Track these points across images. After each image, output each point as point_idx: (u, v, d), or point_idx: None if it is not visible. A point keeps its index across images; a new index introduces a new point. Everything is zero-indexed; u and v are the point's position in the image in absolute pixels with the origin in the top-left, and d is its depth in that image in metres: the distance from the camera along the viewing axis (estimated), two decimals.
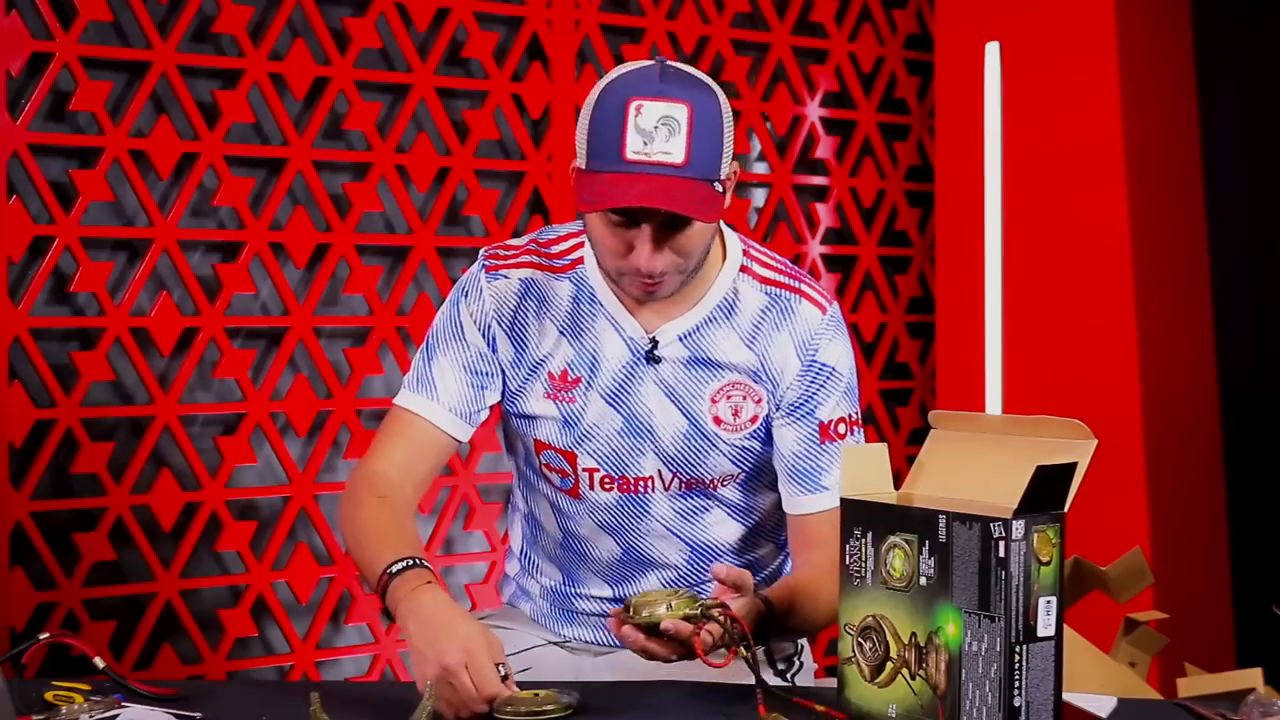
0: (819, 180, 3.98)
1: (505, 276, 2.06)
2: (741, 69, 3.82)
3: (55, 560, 2.98)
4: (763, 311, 2.04)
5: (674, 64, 1.95)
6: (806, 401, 2.04)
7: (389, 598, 1.83)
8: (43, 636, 1.91)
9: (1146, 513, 3.56)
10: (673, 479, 2.05)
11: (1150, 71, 3.70)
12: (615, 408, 2.03)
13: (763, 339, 2.03)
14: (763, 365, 2.04)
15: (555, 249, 2.08)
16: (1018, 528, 1.55)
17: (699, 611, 1.75)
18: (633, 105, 1.87)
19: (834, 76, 3.99)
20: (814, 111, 3.96)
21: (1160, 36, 3.73)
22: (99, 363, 3.04)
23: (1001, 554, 1.55)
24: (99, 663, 1.84)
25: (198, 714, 1.73)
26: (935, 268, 4.05)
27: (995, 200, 3.81)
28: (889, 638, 1.65)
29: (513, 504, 2.25)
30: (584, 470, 2.05)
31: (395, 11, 3.36)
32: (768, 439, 2.06)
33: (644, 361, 2.03)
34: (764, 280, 2.06)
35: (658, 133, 1.86)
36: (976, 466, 1.70)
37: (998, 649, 1.55)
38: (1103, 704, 1.74)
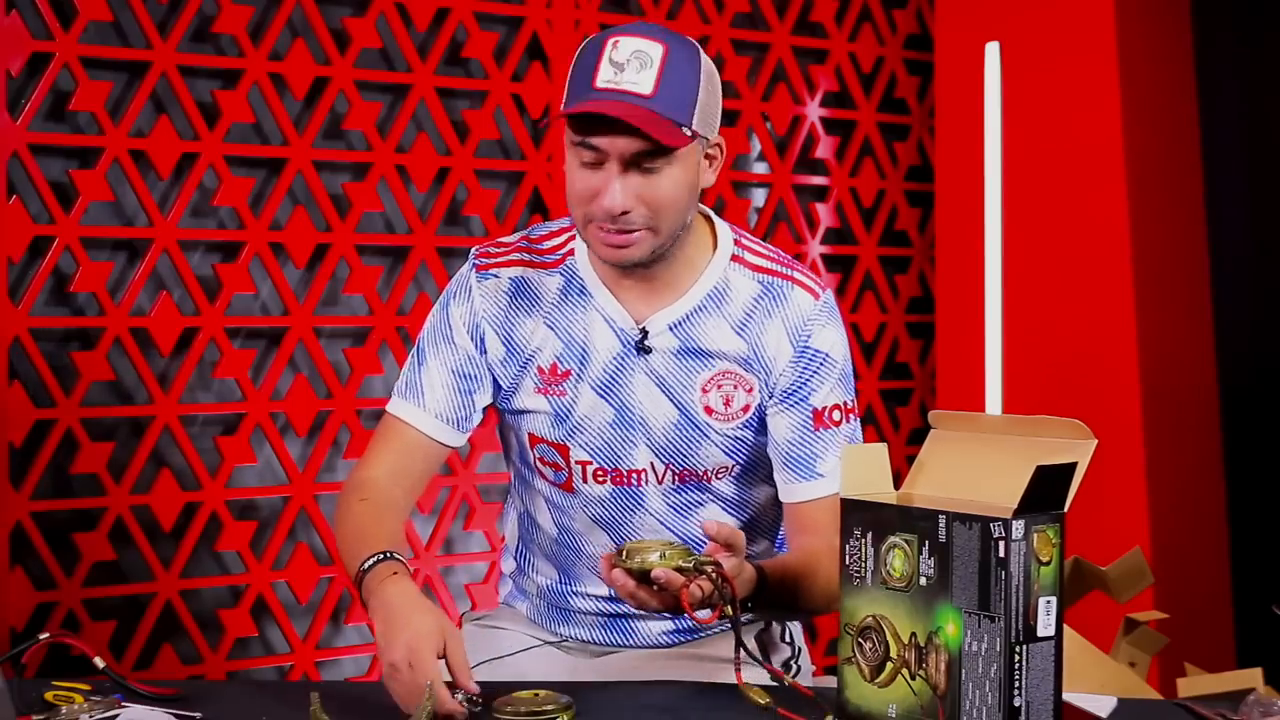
0: (819, 180, 3.98)
1: (495, 275, 2.07)
2: (741, 69, 3.82)
3: (55, 560, 2.98)
4: (755, 300, 2.04)
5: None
6: (800, 388, 2.03)
7: (363, 594, 1.84)
8: (43, 636, 1.91)
9: (1146, 513, 3.56)
10: (665, 471, 2.05)
11: (1150, 72, 3.70)
12: (606, 399, 2.03)
13: (754, 326, 2.03)
14: (754, 353, 2.03)
15: (546, 244, 2.08)
16: (1018, 528, 1.55)
17: (692, 565, 1.74)
18: (610, 41, 1.90)
19: (834, 76, 3.99)
20: (814, 111, 3.96)
21: (1160, 36, 3.73)
22: (99, 363, 3.04)
23: (1001, 554, 1.55)
24: (99, 663, 1.84)
25: (198, 714, 1.73)
26: (935, 268, 4.05)
27: (995, 200, 3.81)
28: (889, 638, 1.65)
29: (509, 503, 2.25)
30: (577, 463, 2.05)
31: (395, 11, 3.36)
32: (761, 428, 2.06)
33: (634, 352, 2.03)
34: (756, 268, 2.05)
35: (629, 64, 1.88)
36: (976, 466, 1.70)
37: (998, 649, 1.55)
38: (1103, 704, 1.74)
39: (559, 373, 2.04)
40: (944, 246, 4.01)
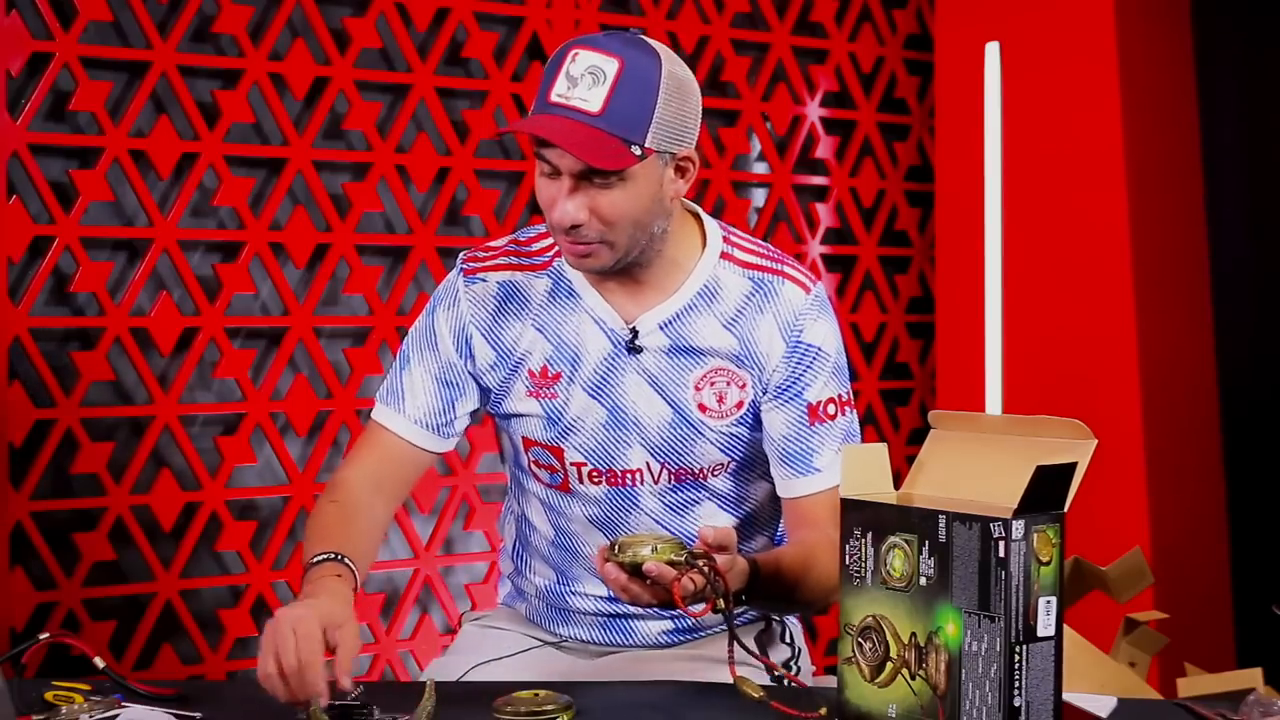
0: (819, 180, 3.98)
1: (483, 280, 2.07)
2: (741, 69, 3.82)
3: (55, 560, 2.98)
4: (746, 296, 2.03)
5: (638, 32, 1.98)
6: (794, 383, 2.03)
7: (301, 586, 1.83)
8: (43, 636, 1.91)
9: (1146, 513, 3.56)
10: (662, 470, 2.05)
11: (1150, 72, 3.70)
12: (598, 400, 2.03)
13: (746, 322, 2.03)
14: (746, 349, 2.03)
15: (534, 246, 2.08)
16: (1018, 528, 1.55)
17: (684, 559, 1.74)
18: (571, 53, 1.90)
19: (834, 76, 3.99)
20: (814, 111, 3.96)
21: (1160, 36, 3.73)
22: (99, 363, 3.04)
23: (1001, 554, 1.55)
24: (99, 663, 1.84)
25: (198, 714, 1.73)
26: (935, 268, 4.05)
27: (995, 200, 3.81)
28: (889, 638, 1.65)
29: (507, 505, 2.25)
30: (571, 465, 2.05)
31: (395, 11, 3.36)
32: (755, 424, 2.06)
33: (625, 352, 2.02)
34: (746, 265, 2.05)
35: (583, 80, 1.88)
36: (976, 466, 1.70)
37: (998, 649, 1.55)
38: (1103, 704, 1.74)
39: (549, 375, 2.04)
40: (944, 246, 4.01)
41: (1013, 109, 3.80)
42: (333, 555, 1.85)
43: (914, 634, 1.63)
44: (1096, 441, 1.63)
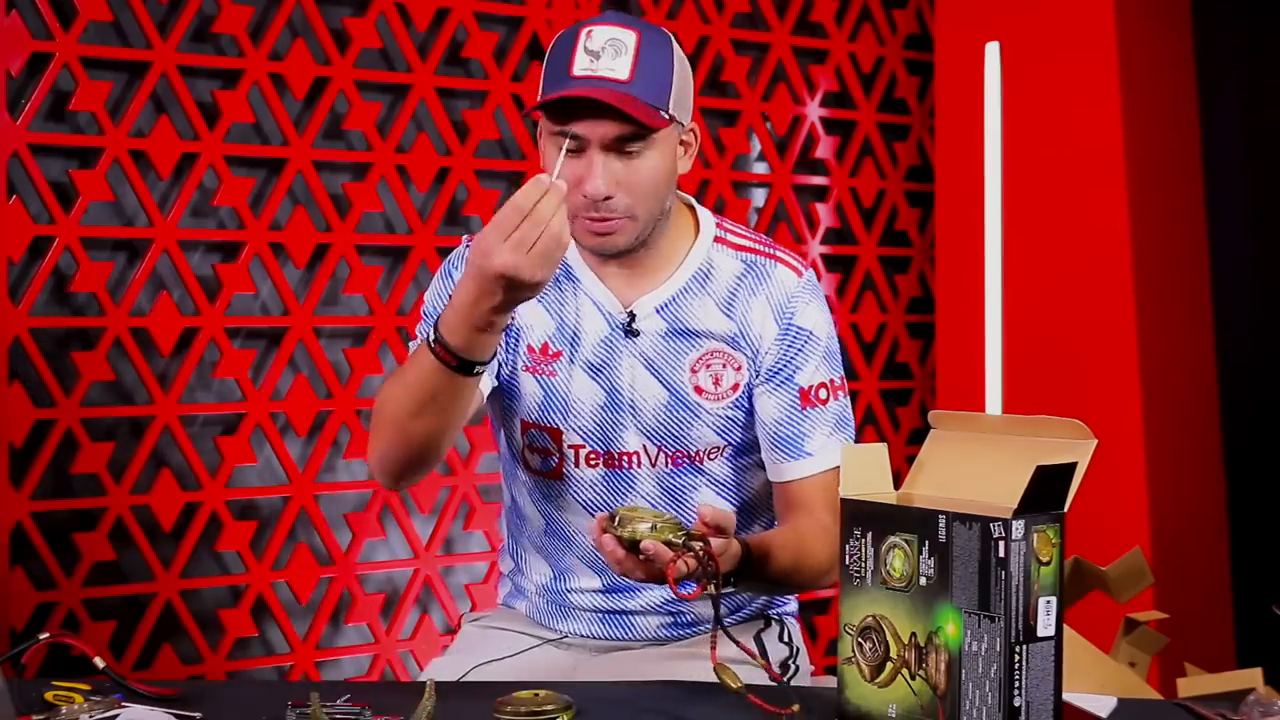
0: (819, 180, 3.98)
1: None
2: (741, 69, 3.82)
3: (55, 560, 2.98)
4: (739, 278, 2.06)
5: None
6: (785, 367, 2.05)
7: (447, 335, 1.81)
8: (43, 636, 1.91)
9: (1146, 513, 3.56)
10: (658, 453, 2.06)
11: (1150, 72, 3.70)
12: (596, 380, 2.05)
13: (740, 305, 2.05)
14: (741, 331, 2.05)
15: None
16: (1018, 528, 1.55)
17: (681, 541, 1.75)
18: (583, 31, 1.93)
19: (834, 76, 3.99)
20: (814, 111, 3.96)
21: (1160, 36, 3.73)
22: (99, 363, 3.04)
23: (1001, 554, 1.55)
24: (99, 663, 1.83)
25: (198, 714, 1.73)
26: (935, 268, 4.05)
27: (995, 200, 3.81)
28: (889, 638, 1.65)
29: (502, 501, 2.26)
30: (570, 447, 2.06)
31: (395, 11, 3.36)
32: (751, 407, 2.07)
33: (622, 335, 2.04)
34: (739, 248, 2.09)
35: (604, 52, 1.91)
36: (976, 466, 1.69)
37: (998, 649, 1.55)
38: (1103, 704, 1.74)
39: (549, 353, 2.06)
40: (944, 246, 4.01)
41: (1013, 109, 3.80)
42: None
43: (914, 634, 1.63)
44: (1096, 441, 1.63)
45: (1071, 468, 1.58)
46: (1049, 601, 1.57)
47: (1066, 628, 1.72)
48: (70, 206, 3.01)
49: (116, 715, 1.70)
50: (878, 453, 1.76)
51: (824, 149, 3.99)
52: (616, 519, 1.77)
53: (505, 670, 2.09)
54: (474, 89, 3.48)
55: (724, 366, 2.06)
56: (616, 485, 2.08)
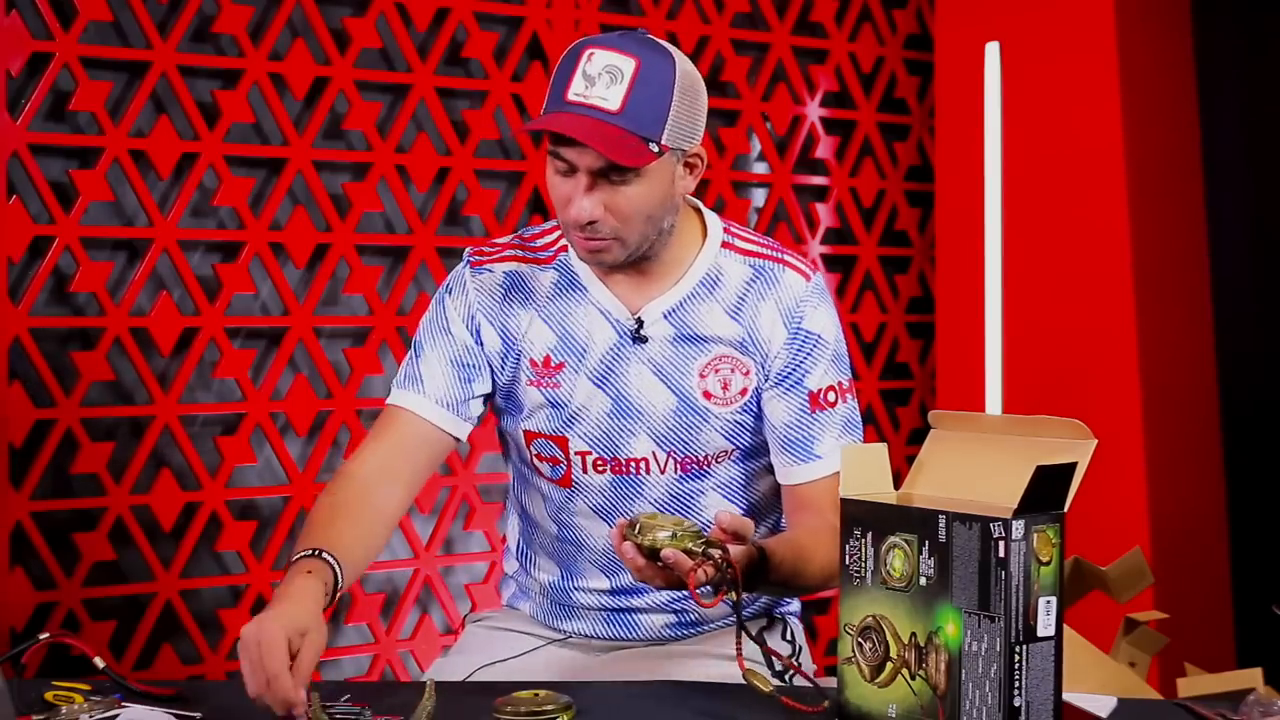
0: (819, 180, 3.98)
1: (489, 270, 2.09)
2: (741, 69, 3.82)
3: (55, 560, 2.98)
4: (747, 283, 2.06)
5: (647, 32, 1.99)
6: (794, 371, 2.05)
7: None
8: (43, 636, 1.91)
9: (1146, 513, 3.56)
10: (668, 459, 2.06)
11: (1150, 72, 3.70)
12: (603, 389, 2.04)
13: (749, 309, 2.05)
14: (749, 335, 2.05)
15: (539, 242, 2.11)
16: (1018, 528, 1.55)
17: (701, 549, 1.75)
18: (586, 52, 1.93)
19: (834, 76, 3.99)
20: (814, 111, 3.96)
21: (1160, 36, 3.73)
22: (99, 363, 3.04)
23: (1001, 554, 1.55)
24: (99, 663, 1.83)
25: (198, 714, 1.73)
26: (935, 268, 4.05)
27: (995, 200, 3.81)
28: (889, 638, 1.65)
29: (508, 505, 2.26)
30: (576, 454, 2.06)
31: (395, 11, 3.36)
32: (759, 412, 2.08)
33: (630, 342, 2.04)
34: (747, 253, 2.08)
35: (600, 79, 1.91)
36: (976, 466, 1.70)
37: (998, 649, 1.55)
38: (1103, 704, 1.74)
39: (552, 365, 2.06)
40: (944, 246, 4.01)
41: (1013, 109, 3.80)
42: (311, 552, 1.85)
43: (914, 634, 1.63)
44: (1096, 441, 1.64)
45: (1071, 468, 1.59)
46: (1049, 601, 1.57)
47: (1066, 628, 1.72)
48: (70, 206, 3.01)
49: (116, 715, 1.70)
50: (878, 453, 1.76)
51: (824, 149, 3.99)
52: (636, 526, 1.77)
53: (509, 671, 2.09)
54: (474, 89, 3.48)
55: (732, 371, 2.06)
56: (625, 491, 2.08)
